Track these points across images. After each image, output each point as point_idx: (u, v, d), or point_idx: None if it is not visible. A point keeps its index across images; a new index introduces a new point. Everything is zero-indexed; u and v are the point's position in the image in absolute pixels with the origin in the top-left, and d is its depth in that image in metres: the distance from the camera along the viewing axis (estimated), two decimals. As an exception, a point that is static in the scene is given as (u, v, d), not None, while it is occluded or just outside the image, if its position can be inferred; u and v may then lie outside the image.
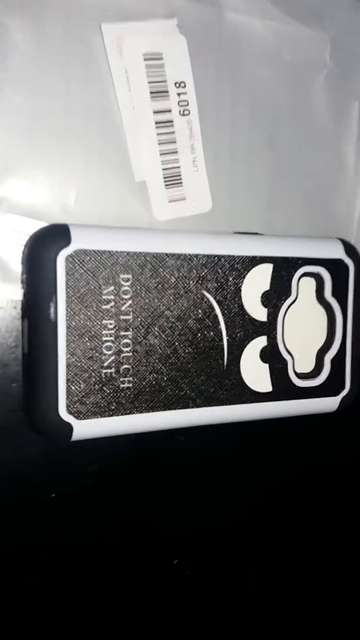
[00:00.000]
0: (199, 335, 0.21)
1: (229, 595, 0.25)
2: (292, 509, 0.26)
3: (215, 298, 0.21)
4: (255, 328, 0.22)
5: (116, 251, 0.20)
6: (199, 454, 0.24)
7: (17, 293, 0.20)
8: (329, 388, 0.24)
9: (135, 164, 0.22)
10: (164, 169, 0.22)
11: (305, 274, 0.23)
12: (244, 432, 0.24)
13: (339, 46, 0.24)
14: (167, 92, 0.22)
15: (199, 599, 0.25)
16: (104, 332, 0.20)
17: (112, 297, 0.20)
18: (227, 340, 0.22)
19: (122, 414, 0.20)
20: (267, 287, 0.22)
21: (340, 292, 0.23)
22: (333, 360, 0.23)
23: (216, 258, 0.21)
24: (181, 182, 0.22)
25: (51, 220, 0.20)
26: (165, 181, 0.22)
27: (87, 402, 0.20)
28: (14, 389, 0.21)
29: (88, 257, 0.20)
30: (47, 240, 0.19)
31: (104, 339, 0.20)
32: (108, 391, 0.20)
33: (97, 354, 0.20)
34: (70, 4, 0.20)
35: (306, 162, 0.24)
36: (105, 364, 0.20)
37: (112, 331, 0.20)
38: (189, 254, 0.21)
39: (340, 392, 0.24)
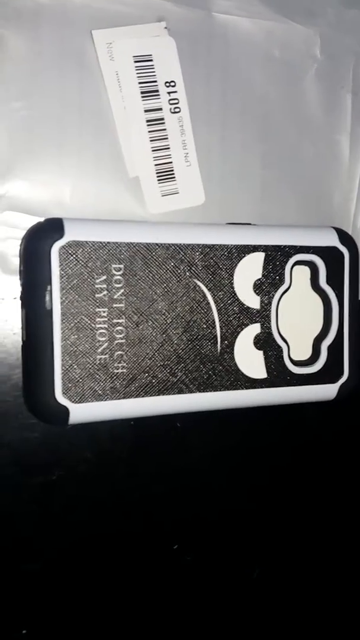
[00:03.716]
0: (192, 322, 0.22)
1: (230, 583, 0.26)
2: (290, 498, 0.26)
3: (207, 286, 0.22)
4: (249, 316, 0.23)
5: (107, 242, 0.21)
6: (196, 440, 0.24)
7: (17, 285, 0.22)
8: (327, 375, 0.24)
9: (128, 160, 0.23)
10: (156, 165, 0.23)
11: (298, 262, 0.23)
12: (243, 420, 0.24)
13: (329, 40, 0.24)
14: (158, 91, 0.23)
15: (199, 585, 0.25)
16: (97, 319, 0.21)
17: (105, 285, 0.21)
18: (220, 327, 0.22)
19: (117, 399, 0.21)
20: (260, 276, 0.23)
21: (336, 280, 0.24)
22: (330, 348, 0.24)
23: (207, 248, 0.22)
24: (174, 177, 0.23)
25: (48, 216, 0.21)
26: (157, 176, 0.23)
27: (83, 387, 0.21)
28: (16, 375, 0.22)
29: (80, 249, 0.21)
30: (42, 233, 0.20)
31: (98, 326, 0.21)
32: (103, 376, 0.21)
33: (91, 341, 0.21)
34: (63, 14, 0.22)
35: (299, 155, 0.25)
36: (99, 350, 0.21)
37: (105, 319, 0.21)
38: (180, 244, 0.22)
39: (338, 380, 0.24)
